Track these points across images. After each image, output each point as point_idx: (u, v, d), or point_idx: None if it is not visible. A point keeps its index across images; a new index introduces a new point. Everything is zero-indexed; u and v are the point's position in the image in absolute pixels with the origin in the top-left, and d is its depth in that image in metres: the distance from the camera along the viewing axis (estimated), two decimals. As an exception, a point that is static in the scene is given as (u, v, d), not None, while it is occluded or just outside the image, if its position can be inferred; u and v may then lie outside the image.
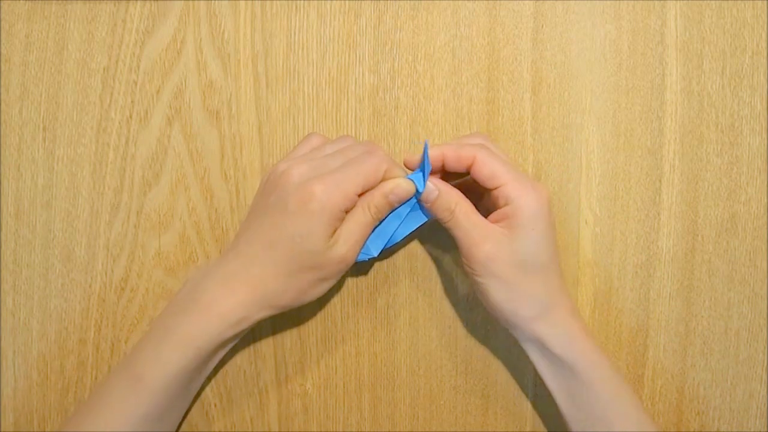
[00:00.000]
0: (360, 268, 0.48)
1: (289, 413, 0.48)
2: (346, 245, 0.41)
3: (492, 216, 0.42)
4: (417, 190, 0.42)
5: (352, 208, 0.42)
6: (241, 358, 0.48)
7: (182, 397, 0.43)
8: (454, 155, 0.42)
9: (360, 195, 0.41)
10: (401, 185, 0.42)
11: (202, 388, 0.48)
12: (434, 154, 0.42)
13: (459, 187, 0.43)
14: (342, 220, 0.41)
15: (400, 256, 0.48)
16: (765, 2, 0.47)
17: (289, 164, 0.42)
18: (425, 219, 0.44)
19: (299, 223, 0.40)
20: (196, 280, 0.42)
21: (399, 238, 0.44)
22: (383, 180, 0.42)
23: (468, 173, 0.43)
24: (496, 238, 0.41)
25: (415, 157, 0.43)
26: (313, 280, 0.42)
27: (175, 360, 0.40)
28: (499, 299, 0.41)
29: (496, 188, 0.41)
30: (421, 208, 0.44)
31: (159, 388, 0.40)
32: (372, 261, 0.48)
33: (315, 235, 0.40)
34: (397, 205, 0.43)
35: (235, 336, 0.42)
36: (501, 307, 0.41)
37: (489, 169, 0.41)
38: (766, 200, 0.47)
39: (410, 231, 0.44)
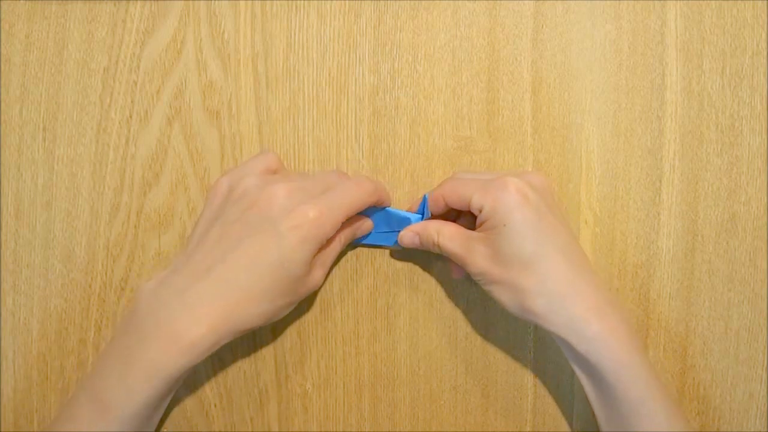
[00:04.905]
0: (360, 268, 0.48)
1: (289, 413, 0.48)
2: (321, 271, 0.42)
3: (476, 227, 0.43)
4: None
5: None
6: (241, 358, 0.48)
7: (148, 422, 0.41)
8: (437, 203, 0.44)
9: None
10: (368, 225, 0.46)
11: (202, 388, 0.48)
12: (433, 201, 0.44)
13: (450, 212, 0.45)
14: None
15: (399, 257, 0.48)
16: (765, 2, 0.47)
17: (265, 180, 0.41)
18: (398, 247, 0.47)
19: (290, 249, 0.39)
20: (155, 300, 0.39)
21: (373, 243, 0.47)
22: None
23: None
24: (479, 248, 0.41)
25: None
26: (286, 304, 0.41)
27: (143, 390, 0.38)
28: (507, 301, 0.41)
29: (468, 206, 0.42)
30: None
31: (127, 418, 0.38)
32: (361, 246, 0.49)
33: (303, 261, 0.39)
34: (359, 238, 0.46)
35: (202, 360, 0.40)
36: (513, 311, 0.41)
37: (457, 194, 0.42)
38: (766, 200, 0.47)
39: (383, 245, 0.47)
